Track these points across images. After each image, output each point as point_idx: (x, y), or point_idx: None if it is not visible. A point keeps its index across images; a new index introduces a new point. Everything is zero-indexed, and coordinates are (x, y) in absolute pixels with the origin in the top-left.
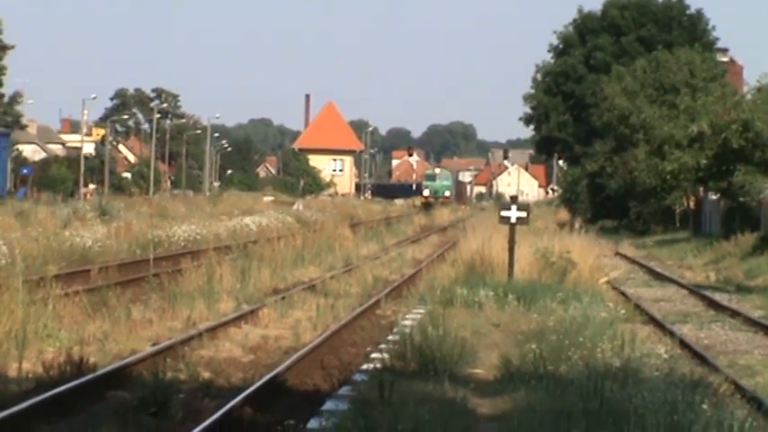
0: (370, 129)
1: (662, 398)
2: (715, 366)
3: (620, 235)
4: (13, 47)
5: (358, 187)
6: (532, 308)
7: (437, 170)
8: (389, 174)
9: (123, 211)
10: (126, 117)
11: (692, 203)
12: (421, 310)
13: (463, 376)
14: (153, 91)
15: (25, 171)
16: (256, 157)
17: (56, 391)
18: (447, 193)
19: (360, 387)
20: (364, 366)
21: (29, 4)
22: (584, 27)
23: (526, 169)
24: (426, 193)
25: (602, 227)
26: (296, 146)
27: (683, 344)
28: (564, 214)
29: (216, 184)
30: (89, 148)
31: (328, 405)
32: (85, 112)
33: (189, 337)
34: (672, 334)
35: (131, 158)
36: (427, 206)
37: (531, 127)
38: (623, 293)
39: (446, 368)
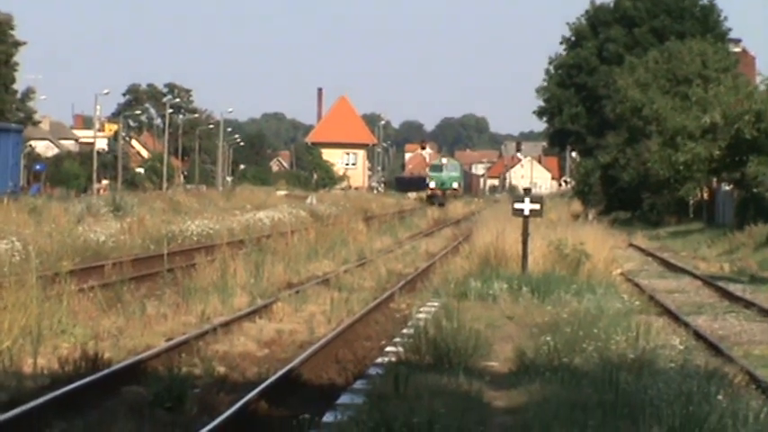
0: (383, 122)
1: (677, 389)
2: (730, 357)
3: (633, 226)
4: (25, 43)
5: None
6: (546, 300)
7: (444, 160)
8: (402, 167)
9: (137, 207)
10: (139, 112)
11: (705, 194)
12: (435, 304)
13: (478, 369)
14: (165, 86)
15: (38, 167)
16: (269, 152)
17: (71, 387)
18: (455, 185)
19: (375, 380)
20: (379, 360)
21: (40, 1)
22: (597, 19)
23: (539, 162)
24: (432, 185)
25: (616, 218)
26: (309, 140)
27: (698, 335)
28: (577, 206)
29: (229, 178)
30: (102, 144)
31: (343, 399)
32: (98, 107)
33: (203, 331)
34: (686, 325)
35: (144, 154)
36: (433, 199)
37: (544, 119)
38: (637, 285)
39: (461, 361)
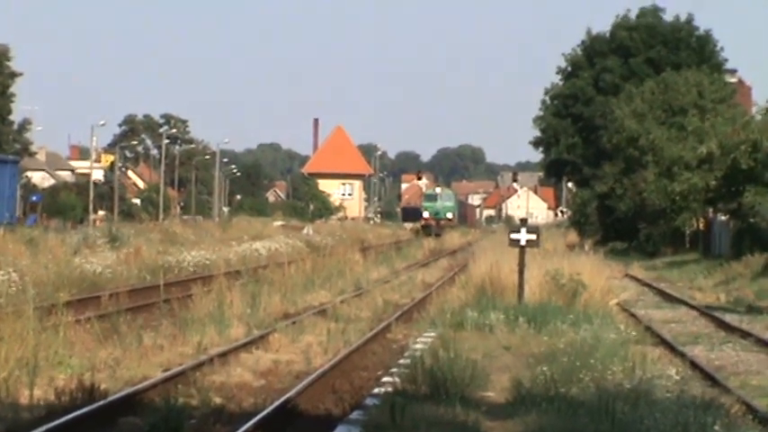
0: (379, 152)
1: (673, 419)
2: (726, 387)
3: (629, 257)
4: (21, 74)
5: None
6: (543, 330)
7: (438, 189)
8: (399, 198)
9: (133, 238)
10: (135, 143)
11: (701, 225)
12: (432, 334)
13: (475, 399)
14: (162, 117)
15: (35, 198)
16: (266, 182)
17: (67, 418)
18: (449, 215)
19: (371, 411)
20: (376, 390)
21: (37, 32)
22: (593, 49)
23: (535, 192)
24: (426, 214)
25: (612, 248)
26: (305, 170)
27: (694, 365)
28: (573, 236)
29: (225, 209)
30: (98, 175)
31: (340, 429)
32: (94, 138)
33: (200, 362)
34: (683, 355)
35: (141, 184)
36: (427, 229)
37: (541, 150)
38: (634, 315)
39: (457, 391)
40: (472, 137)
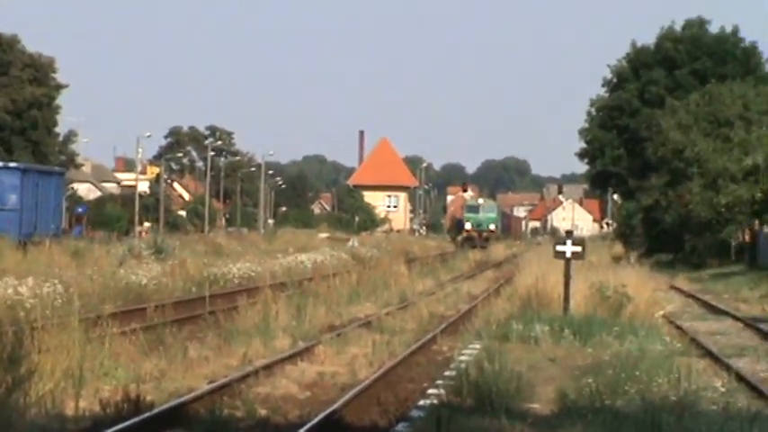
0: (425, 164)
1: (719, 431)
2: None
3: (675, 269)
4: (67, 86)
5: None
6: (588, 342)
7: (480, 200)
8: (444, 210)
9: (178, 249)
10: (180, 155)
11: (747, 237)
12: (477, 346)
13: (520, 411)
14: (207, 128)
15: (80, 209)
16: (311, 194)
17: (113, 429)
18: (492, 226)
19: (417, 423)
20: (421, 402)
21: (83, 44)
22: (638, 61)
23: (580, 204)
24: (468, 226)
25: (658, 261)
26: (350, 182)
27: (740, 377)
28: (619, 248)
29: (270, 221)
30: (144, 187)
31: None
32: (140, 150)
33: (245, 374)
34: (728, 367)
35: (186, 196)
36: (468, 241)
37: (586, 161)
38: (679, 327)
39: (503, 403)
40: (517, 149)
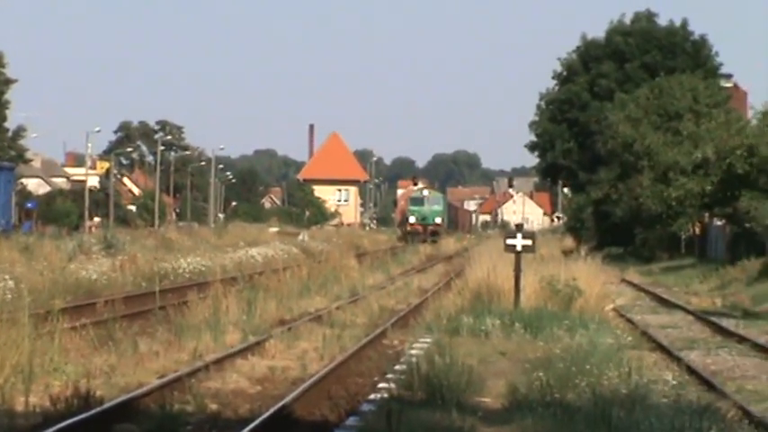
0: (375, 158)
1: (670, 424)
2: (723, 392)
3: (625, 262)
4: (15, 80)
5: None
6: (539, 336)
7: (425, 192)
8: (394, 203)
9: (128, 244)
10: (130, 150)
11: (697, 230)
12: (428, 340)
13: (471, 405)
14: (157, 123)
15: (30, 205)
16: (261, 188)
17: (63, 425)
18: (438, 220)
19: (367, 417)
20: (372, 396)
21: (31, 38)
22: (588, 54)
23: (531, 197)
24: (412, 219)
25: (608, 254)
26: (300, 176)
27: (691, 370)
28: (569, 242)
29: (221, 215)
30: (93, 182)
31: None
32: (89, 145)
33: (196, 369)
34: (679, 360)
35: (136, 191)
36: (412, 236)
37: (536, 154)
38: (630, 320)
39: (454, 397)
40: (467, 143)
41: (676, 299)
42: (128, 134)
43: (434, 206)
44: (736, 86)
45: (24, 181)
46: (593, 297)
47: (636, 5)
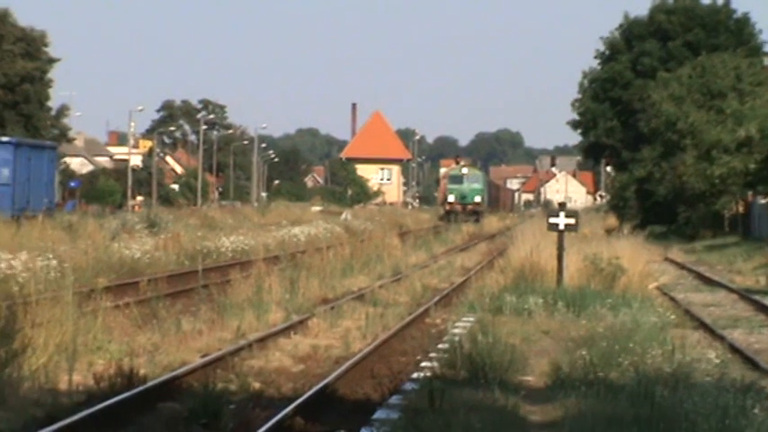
0: (418, 137)
1: (713, 403)
2: (766, 371)
3: (669, 240)
4: (59, 59)
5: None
6: (582, 314)
7: (465, 170)
8: (437, 182)
9: (171, 223)
10: (173, 129)
11: (741, 208)
12: (470, 318)
13: (514, 383)
14: (200, 102)
15: (73, 184)
16: (304, 167)
17: (106, 403)
18: (477, 199)
19: (410, 396)
20: (414, 375)
21: (75, 17)
22: (631, 33)
23: (574, 176)
24: (451, 198)
25: (651, 232)
26: (343, 155)
27: (734, 348)
28: (612, 220)
29: (264, 194)
30: (136, 160)
31: (379, 414)
32: (132, 124)
33: (239, 347)
34: (722, 339)
35: (179, 170)
36: (451, 215)
37: (579, 132)
38: (673, 299)
39: (496, 376)
40: (510, 121)
41: (719, 277)
42: (170, 113)
43: (474, 184)
44: None
45: (68, 160)
46: (636, 276)
47: None
